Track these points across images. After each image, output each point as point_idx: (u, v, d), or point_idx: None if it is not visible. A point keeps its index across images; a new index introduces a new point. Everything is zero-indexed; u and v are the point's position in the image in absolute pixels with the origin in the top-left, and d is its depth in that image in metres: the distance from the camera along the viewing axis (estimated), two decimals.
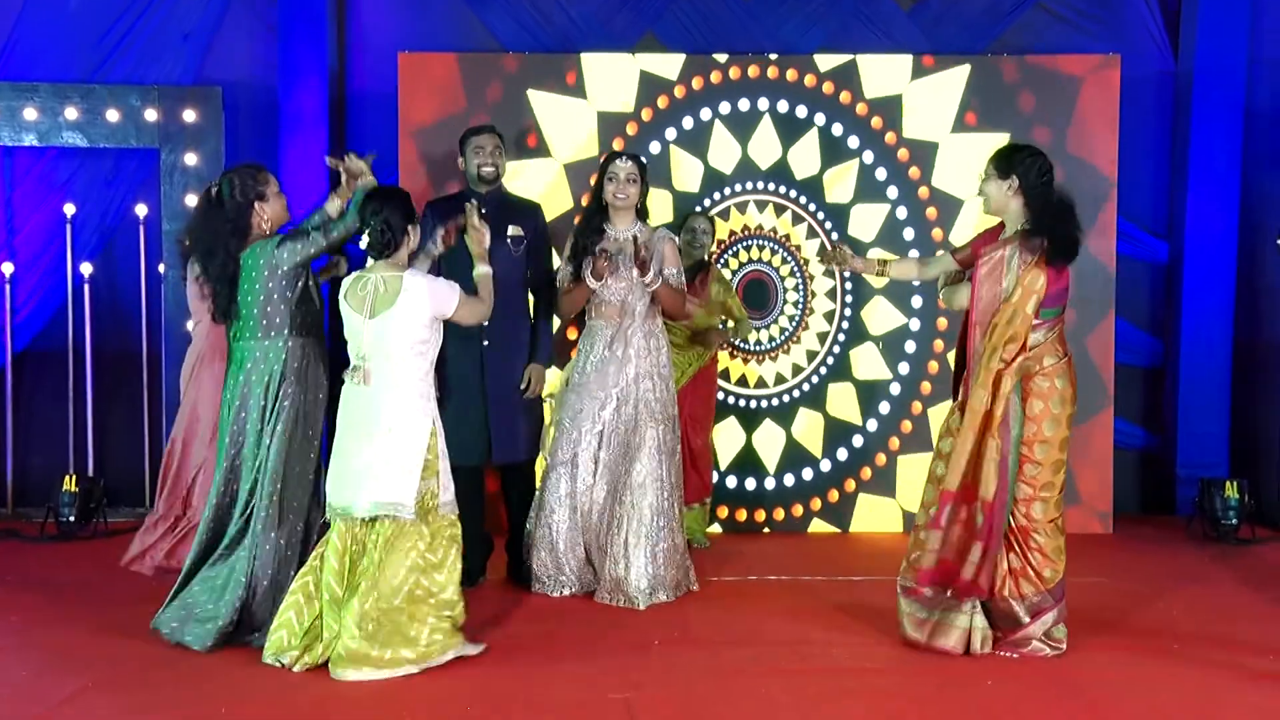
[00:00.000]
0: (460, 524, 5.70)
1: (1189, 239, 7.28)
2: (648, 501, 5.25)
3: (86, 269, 6.98)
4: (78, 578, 5.61)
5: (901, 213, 6.91)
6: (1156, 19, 7.37)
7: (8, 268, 7.03)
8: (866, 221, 6.91)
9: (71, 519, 6.59)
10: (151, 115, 7.00)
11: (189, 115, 7.00)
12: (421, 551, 4.47)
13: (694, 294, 6.29)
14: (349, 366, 4.48)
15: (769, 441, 6.95)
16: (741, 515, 6.92)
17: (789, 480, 6.95)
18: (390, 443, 4.43)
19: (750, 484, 6.93)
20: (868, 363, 6.97)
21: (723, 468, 6.88)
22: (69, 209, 7.04)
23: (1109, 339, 6.99)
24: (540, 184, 6.77)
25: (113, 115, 6.99)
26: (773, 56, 6.91)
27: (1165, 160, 7.46)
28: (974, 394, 4.58)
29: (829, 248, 5.30)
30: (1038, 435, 4.58)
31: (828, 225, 6.92)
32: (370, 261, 4.54)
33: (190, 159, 6.99)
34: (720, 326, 6.51)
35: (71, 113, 6.98)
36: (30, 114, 6.96)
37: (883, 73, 6.91)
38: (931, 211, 6.92)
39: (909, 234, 6.91)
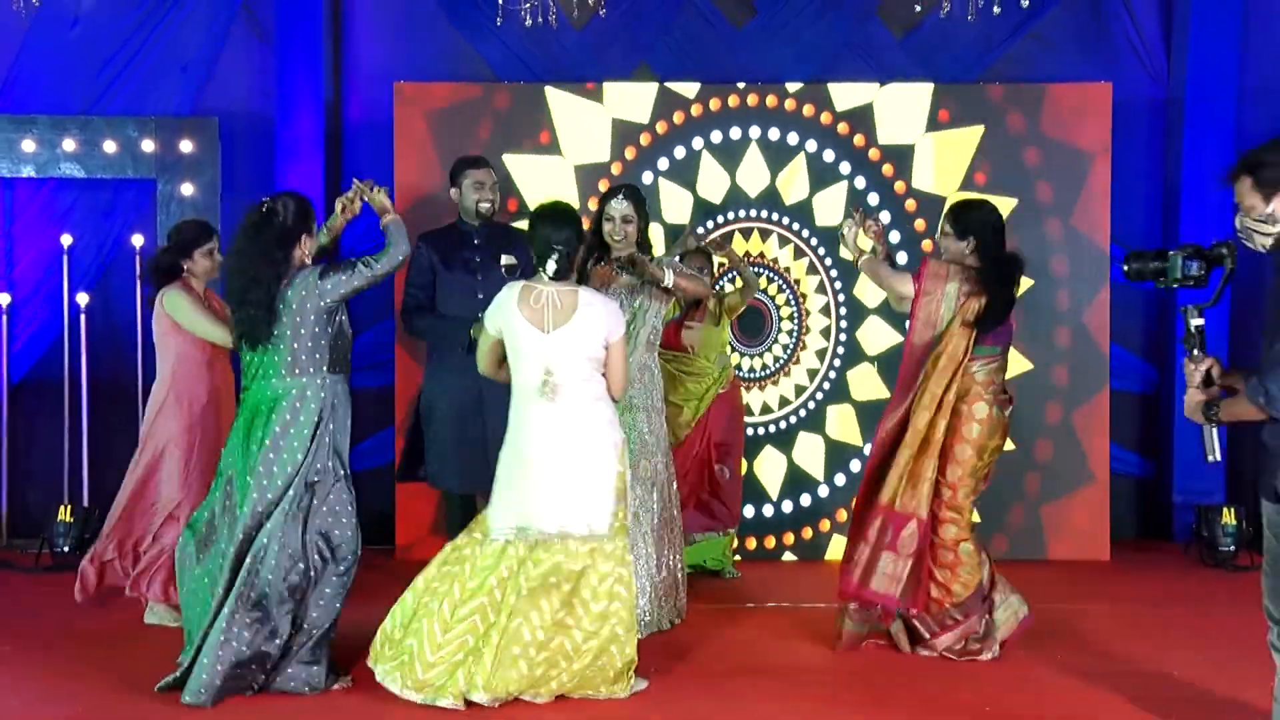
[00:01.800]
0: None
1: None
2: (640, 532, 5.24)
3: (83, 299, 7.00)
4: (71, 608, 5.58)
5: (894, 236, 6.93)
6: (1148, 46, 7.42)
7: (5, 298, 7.05)
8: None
9: (66, 549, 6.58)
10: (148, 146, 7.03)
11: (186, 146, 7.04)
12: (619, 575, 4.39)
13: (695, 318, 6.30)
14: (540, 383, 4.32)
15: (771, 467, 6.95)
16: (751, 544, 6.90)
17: (786, 507, 6.95)
18: (589, 463, 4.34)
19: (748, 511, 6.92)
20: (844, 423, 6.97)
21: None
22: (66, 240, 7.06)
23: (1104, 365, 7.00)
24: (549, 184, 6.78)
25: (110, 146, 7.03)
26: (792, 88, 6.92)
27: (1158, 186, 7.49)
28: (917, 414, 4.81)
29: (860, 217, 5.23)
30: (958, 457, 4.80)
31: (820, 251, 6.95)
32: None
33: (187, 189, 7.03)
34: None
35: (69, 144, 7.01)
36: (29, 146, 7.00)
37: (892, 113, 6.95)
38: (920, 223, 6.95)
39: (901, 258, 6.93)
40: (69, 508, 6.67)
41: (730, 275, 6.74)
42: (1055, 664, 4.88)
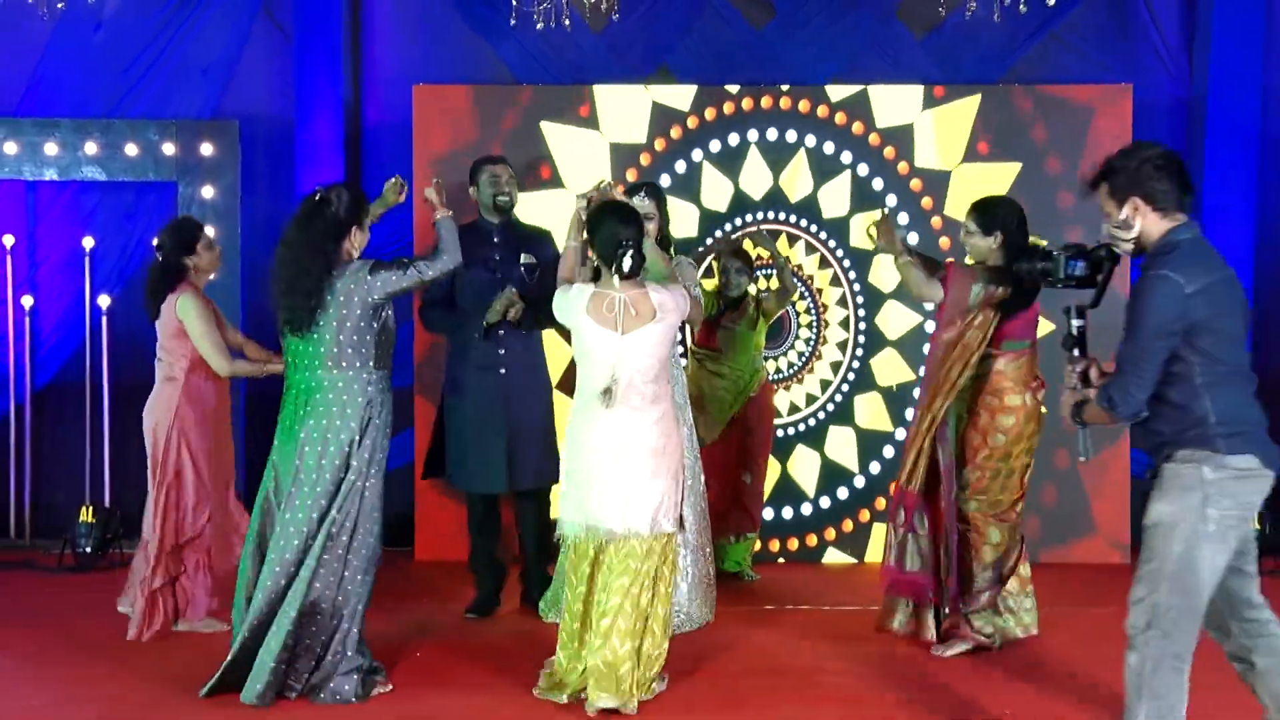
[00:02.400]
0: (479, 553, 5.76)
1: None
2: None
3: (104, 302, 7.04)
4: (93, 609, 5.62)
5: (913, 238, 6.92)
6: (1169, 47, 7.38)
7: (28, 301, 7.10)
8: (889, 272, 6.93)
9: (88, 550, 6.63)
10: (169, 149, 7.07)
11: (206, 149, 7.08)
12: (668, 577, 4.46)
13: (731, 320, 6.28)
14: (610, 385, 4.30)
15: (805, 465, 6.94)
16: (775, 545, 6.89)
17: (825, 503, 6.95)
18: (661, 463, 4.35)
19: (787, 513, 6.92)
20: (872, 411, 6.96)
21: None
22: (88, 242, 7.11)
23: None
24: (554, 214, 6.79)
25: (131, 149, 7.07)
26: (828, 90, 6.91)
27: None
28: (935, 399, 5.02)
29: (881, 220, 5.29)
30: (990, 444, 5.01)
31: (831, 244, 6.93)
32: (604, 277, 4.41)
33: (207, 192, 7.06)
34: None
35: (91, 147, 7.06)
36: (51, 149, 7.04)
37: (894, 103, 6.93)
38: (945, 242, 6.93)
39: (912, 238, 6.90)
40: (91, 509, 6.72)
41: (767, 272, 6.72)
42: (1078, 668, 4.87)
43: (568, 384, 6.33)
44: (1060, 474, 6.90)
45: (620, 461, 4.32)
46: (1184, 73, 7.40)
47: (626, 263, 4.31)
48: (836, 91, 6.93)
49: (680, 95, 6.94)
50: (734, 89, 6.93)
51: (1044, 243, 4.72)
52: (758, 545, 6.74)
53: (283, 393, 4.54)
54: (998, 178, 6.89)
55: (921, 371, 6.80)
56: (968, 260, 5.17)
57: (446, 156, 6.81)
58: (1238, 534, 3.36)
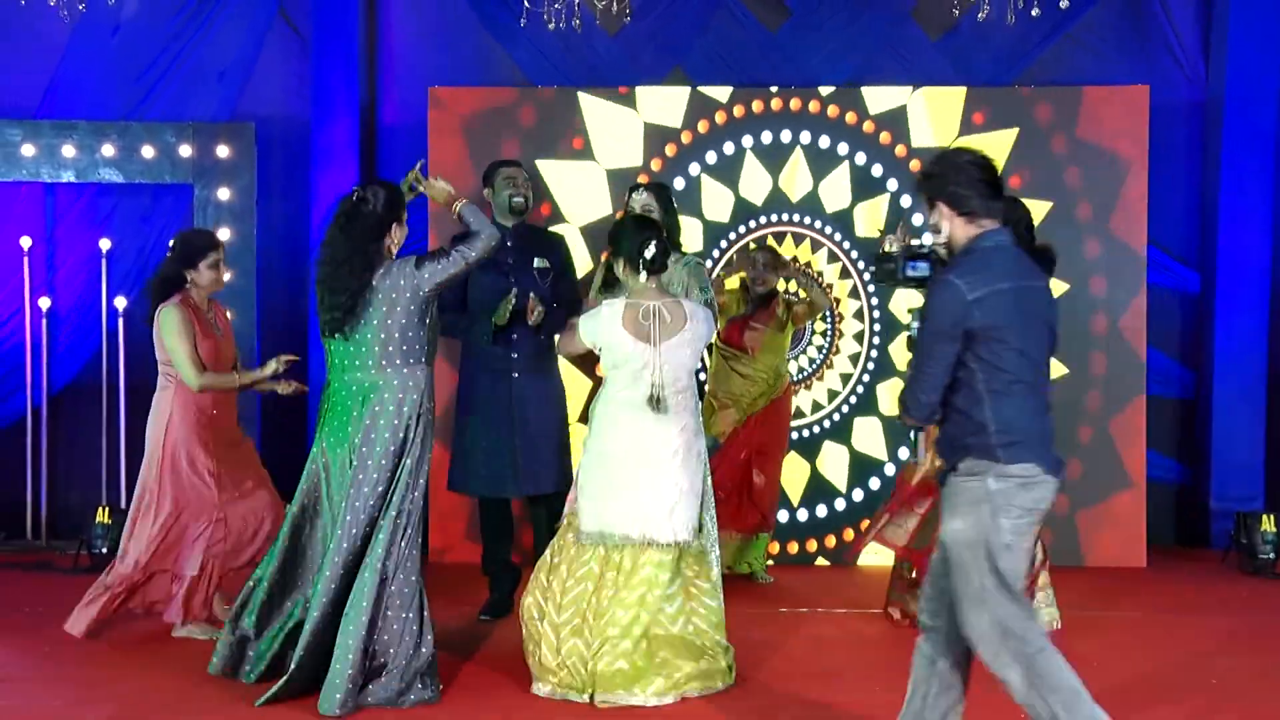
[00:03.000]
0: (492, 556, 5.76)
1: (1221, 268, 7.23)
2: None
3: (121, 303, 7.07)
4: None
5: (928, 238, 6.90)
6: (1186, 49, 7.35)
7: (45, 303, 7.13)
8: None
9: (104, 551, 6.64)
10: (186, 151, 7.10)
11: (222, 151, 7.10)
12: (692, 579, 4.50)
13: (760, 320, 6.26)
14: (645, 396, 4.36)
15: (793, 472, 6.93)
16: (774, 548, 6.88)
17: (821, 511, 6.93)
18: (682, 470, 4.41)
19: (802, 515, 6.91)
20: (895, 397, 6.90)
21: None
22: (105, 244, 7.13)
23: (1141, 370, 6.94)
24: (586, 186, 6.81)
25: (148, 152, 7.10)
26: (824, 91, 6.92)
27: (1196, 189, 7.42)
28: None
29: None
30: None
31: (853, 254, 6.92)
32: (637, 282, 4.48)
33: (223, 194, 7.09)
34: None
35: (109, 150, 7.09)
36: (69, 151, 7.08)
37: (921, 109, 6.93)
38: None
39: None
40: (107, 510, 6.74)
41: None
42: (1091, 671, 4.82)
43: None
44: (1078, 475, 6.86)
45: (645, 470, 4.38)
46: (1200, 74, 7.37)
47: (650, 251, 4.41)
48: (875, 94, 6.91)
49: (717, 93, 6.95)
50: (752, 89, 6.93)
51: (888, 242, 4.78)
52: (776, 547, 6.74)
53: (324, 395, 4.54)
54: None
55: None
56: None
57: (461, 158, 6.83)
58: (1030, 537, 3.40)
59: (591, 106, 6.89)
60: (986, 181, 3.42)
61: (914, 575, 5.30)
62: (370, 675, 4.31)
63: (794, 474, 6.88)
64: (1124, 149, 6.90)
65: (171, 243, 5.32)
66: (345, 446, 4.39)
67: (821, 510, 6.92)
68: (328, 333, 4.45)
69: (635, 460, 4.39)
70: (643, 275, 4.45)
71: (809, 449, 6.92)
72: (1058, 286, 6.58)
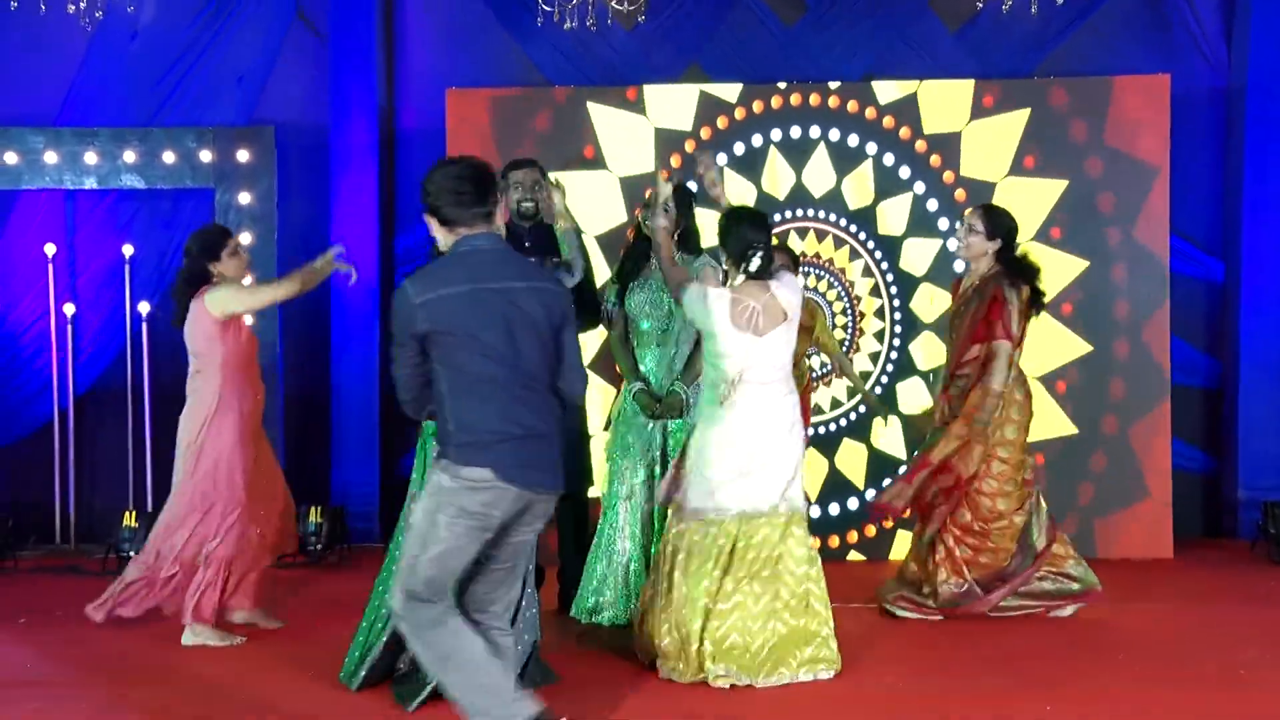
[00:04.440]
0: None
1: (1245, 256, 7.18)
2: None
3: (144, 308, 7.11)
4: (137, 613, 5.66)
5: (953, 244, 6.87)
6: (1207, 36, 7.29)
7: (70, 309, 7.19)
8: (918, 256, 6.89)
9: (131, 554, 6.68)
10: (206, 156, 7.14)
11: (243, 155, 7.14)
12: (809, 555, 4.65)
13: None
14: (729, 383, 4.53)
15: (811, 469, 6.91)
16: (834, 541, 6.87)
17: (833, 509, 6.91)
18: (795, 443, 4.61)
19: (830, 509, 6.91)
20: (915, 396, 6.92)
21: None
22: (128, 250, 7.18)
23: (1165, 359, 6.89)
24: (597, 196, 6.82)
25: (169, 157, 7.14)
26: (834, 85, 6.92)
27: (1219, 178, 7.36)
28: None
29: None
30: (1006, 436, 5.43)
31: (877, 255, 6.90)
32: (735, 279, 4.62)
33: (244, 198, 7.12)
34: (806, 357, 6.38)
35: (130, 155, 7.13)
36: (91, 158, 7.13)
37: (941, 100, 6.90)
38: None
39: (959, 265, 6.85)
40: (133, 513, 6.79)
41: (815, 271, 6.77)
42: (1117, 664, 4.82)
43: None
44: (1097, 478, 6.83)
45: (768, 445, 4.55)
46: (1223, 62, 7.31)
47: (755, 264, 4.58)
48: (884, 92, 6.89)
49: (727, 91, 6.94)
50: (767, 86, 6.91)
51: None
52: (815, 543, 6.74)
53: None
54: (1042, 191, 6.84)
55: None
56: (963, 255, 5.55)
57: (480, 159, 6.82)
58: (476, 541, 3.45)
59: (601, 114, 6.88)
60: (466, 191, 3.53)
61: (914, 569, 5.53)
62: None
63: (812, 470, 6.87)
64: (1144, 138, 6.85)
65: (187, 246, 5.33)
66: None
67: (834, 508, 6.90)
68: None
69: (759, 436, 4.54)
70: (742, 277, 4.60)
71: (828, 446, 6.90)
72: (1076, 265, 6.57)
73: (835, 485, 6.89)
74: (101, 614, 5.21)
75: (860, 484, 6.91)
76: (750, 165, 6.91)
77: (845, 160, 6.89)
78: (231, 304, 5.16)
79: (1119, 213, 6.86)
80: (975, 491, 5.37)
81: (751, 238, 4.60)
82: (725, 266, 4.75)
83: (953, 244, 6.72)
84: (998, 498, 5.38)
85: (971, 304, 5.46)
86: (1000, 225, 5.46)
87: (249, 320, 5.53)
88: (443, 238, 3.58)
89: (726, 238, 4.66)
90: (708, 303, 4.56)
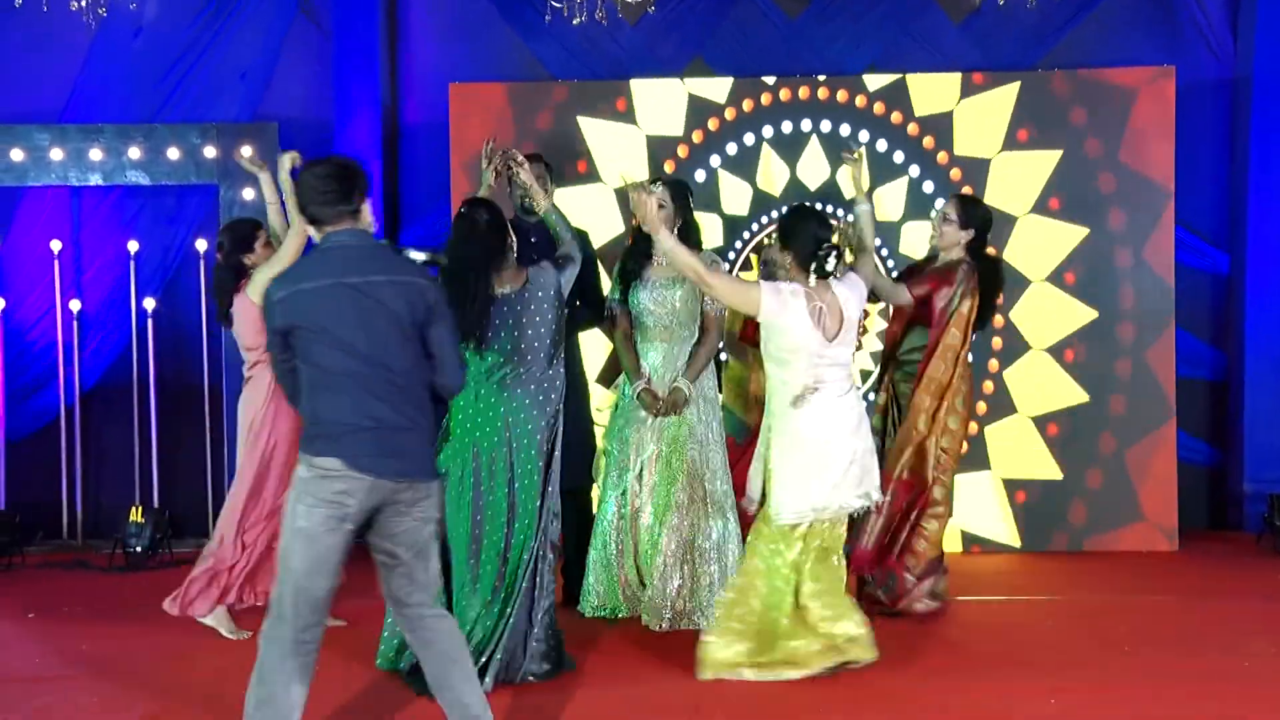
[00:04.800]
0: None
1: (1251, 249, 7.16)
2: (688, 523, 5.26)
3: (150, 304, 7.13)
4: (145, 607, 5.69)
5: (921, 230, 6.85)
6: (1213, 28, 7.26)
7: (76, 305, 7.21)
8: (918, 240, 6.87)
9: (139, 550, 6.72)
10: (210, 152, 7.15)
11: (246, 151, 7.09)
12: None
13: None
14: (807, 388, 4.54)
15: None
16: None
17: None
18: (866, 438, 4.67)
19: None
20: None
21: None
22: (133, 246, 7.20)
23: (1170, 352, 6.88)
24: (591, 209, 6.81)
25: (174, 153, 7.15)
26: (821, 78, 6.92)
27: (1224, 170, 7.34)
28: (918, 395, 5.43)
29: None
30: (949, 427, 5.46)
31: (876, 241, 6.87)
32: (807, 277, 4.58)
33: (248, 194, 7.13)
34: None
35: (135, 152, 7.15)
36: (96, 154, 7.14)
37: (932, 91, 6.87)
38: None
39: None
40: (140, 509, 6.82)
41: None
42: (1122, 656, 4.83)
43: (607, 378, 6.37)
44: (1105, 460, 6.83)
45: (847, 444, 4.58)
46: (1229, 53, 7.28)
47: (830, 264, 4.55)
48: (874, 81, 6.88)
49: (716, 87, 6.93)
50: (770, 80, 6.91)
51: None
52: None
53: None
54: (1037, 164, 6.83)
55: None
56: (936, 243, 5.53)
57: (481, 155, 6.82)
58: (337, 530, 3.47)
59: (592, 127, 6.88)
60: (330, 190, 3.57)
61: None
62: None
63: None
64: (1149, 131, 6.82)
65: (220, 240, 5.39)
66: (495, 450, 4.62)
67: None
68: (470, 348, 4.59)
69: (838, 437, 4.56)
70: (813, 277, 4.55)
71: None
72: (1077, 234, 6.65)
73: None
74: (176, 608, 5.23)
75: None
76: (744, 163, 6.89)
77: (838, 152, 6.85)
78: (271, 276, 5.12)
79: (1131, 243, 6.83)
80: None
81: (821, 236, 4.57)
82: (786, 265, 4.70)
83: (921, 230, 6.68)
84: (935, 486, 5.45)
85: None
86: (974, 216, 5.48)
87: None
88: (315, 235, 3.64)
89: (794, 236, 4.60)
90: (784, 299, 4.50)
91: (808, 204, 4.96)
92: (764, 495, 4.69)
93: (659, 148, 6.91)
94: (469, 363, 4.56)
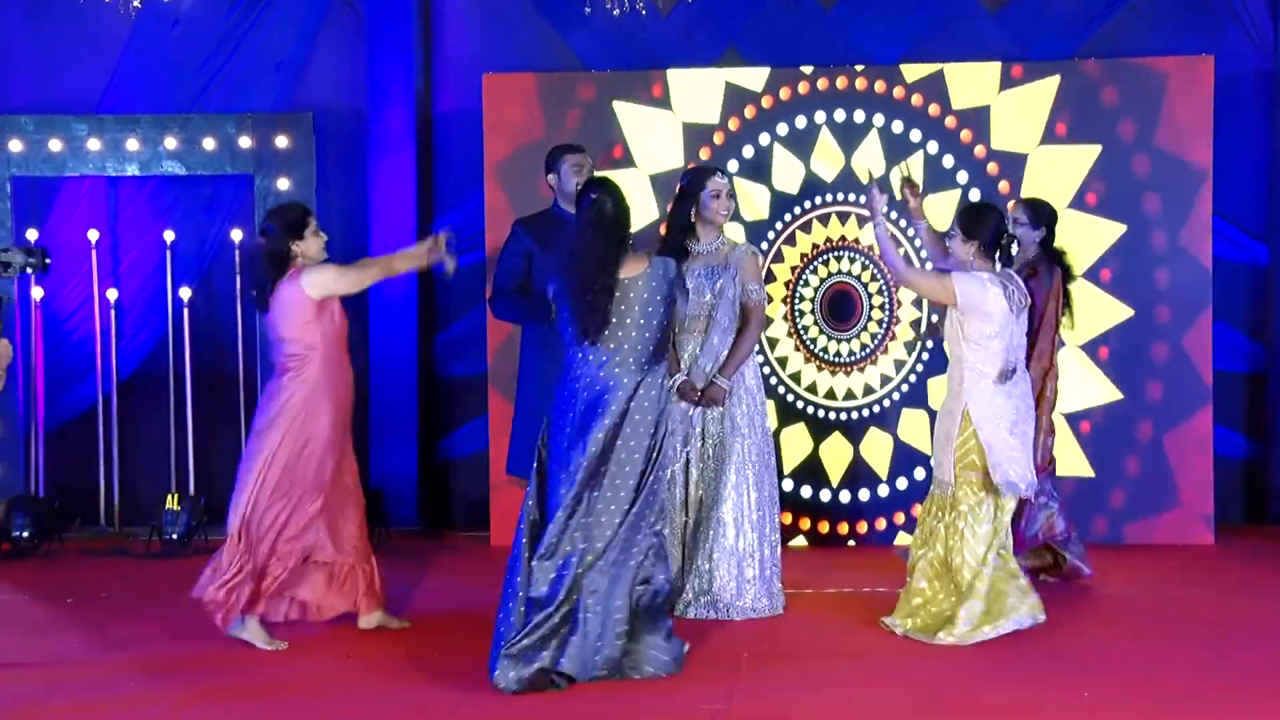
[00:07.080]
0: None
1: None
2: (731, 516, 5.27)
3: (185, 294, 7.19)
4: (181, 594, 5.72)
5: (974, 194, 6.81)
6: (1253, 16, 7.16)
7: (113, 294, 7.28)
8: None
9: (174, 537, 6.79)
10: (245, 142, 7.20)
11: (281, 141, 7.19)
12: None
13: None
14: (1007, 370, 4.93)
15: (834, 453, 6.90)
16: (824, 528, 6.86)
17: (883, 491, 6.88)
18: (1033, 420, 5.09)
19: (825, 495, 6.87)
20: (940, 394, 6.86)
21: (786, 473, 6.79)
22: (169, 236, 7.26)
23: (1206, 343, 6.81)
24: (626, 195, 6.77)
25: (209, 143, 7.21)
26: (859, 68, 6.89)
27: (1264, 161, 7.25)
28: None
29: (908, 180, 5.67)
30: None
31: (917, 243, 6.86)
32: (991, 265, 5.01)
33: (283, 183, 7.18)
34: None
35: (171, 142, 7.20)
36: (132, 145, 7.20)
37: (969, 83, 6.82)
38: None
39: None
40: (176, 496, 6.89)
41: (851, 255, 6.71)
42: (1157, 650, 4.79)
43: None
44: (1142, 447, 6.77)
45: (1030, 423, 5.06)
46: (1269, 42, 7.18)
47: (1014, 250, 5.09)
48: (912, 72, 6.84)
49: (753, 77, 6.90)
50: (807, 70, 6.88)
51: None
52: (807, 523, 6.76)
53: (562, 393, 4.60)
54: (1076, 159, 6.77)
55: None
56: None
57: (517, 144, 6.85)
58: None
59: (627, 112, 6.87)
60: None
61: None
62: None
63: (836, 455, 6.86)
64: (1187, 120, 6.74)
65: (265, 226, 5.07)
66: (578, 449, 4.50)
67: (853, 494, 6.86)
68: (577, 337, 4.57)
69: (1023, 415, 5.01)
70: (999, 265, 5.00)
71: (854, 432, 6.87)
72: (1114, 230, 6.65)
73: (858, 472, 6.84)
74: (220, 617, 4.96)
75: (884, 474, 6.87)
76: (762, 160, 6.86)
77: (893, 147, 6.81)
78: (335, 286, 4.97)
79: (1167, 228, 6.76)
80: None
81: (1004, 228, 5.03)
82: (971, 254, 5.00)
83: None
84: None
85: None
86: (1043, 214, 5.75)
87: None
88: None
89: (978, 228, 4.99)
90: (987, 287, 4.88)
91: (990, 201, 5.58)
92: (982, 473, 4.94)
93: (694, 135, 6.89)
94: (583, 349, 4.49)
